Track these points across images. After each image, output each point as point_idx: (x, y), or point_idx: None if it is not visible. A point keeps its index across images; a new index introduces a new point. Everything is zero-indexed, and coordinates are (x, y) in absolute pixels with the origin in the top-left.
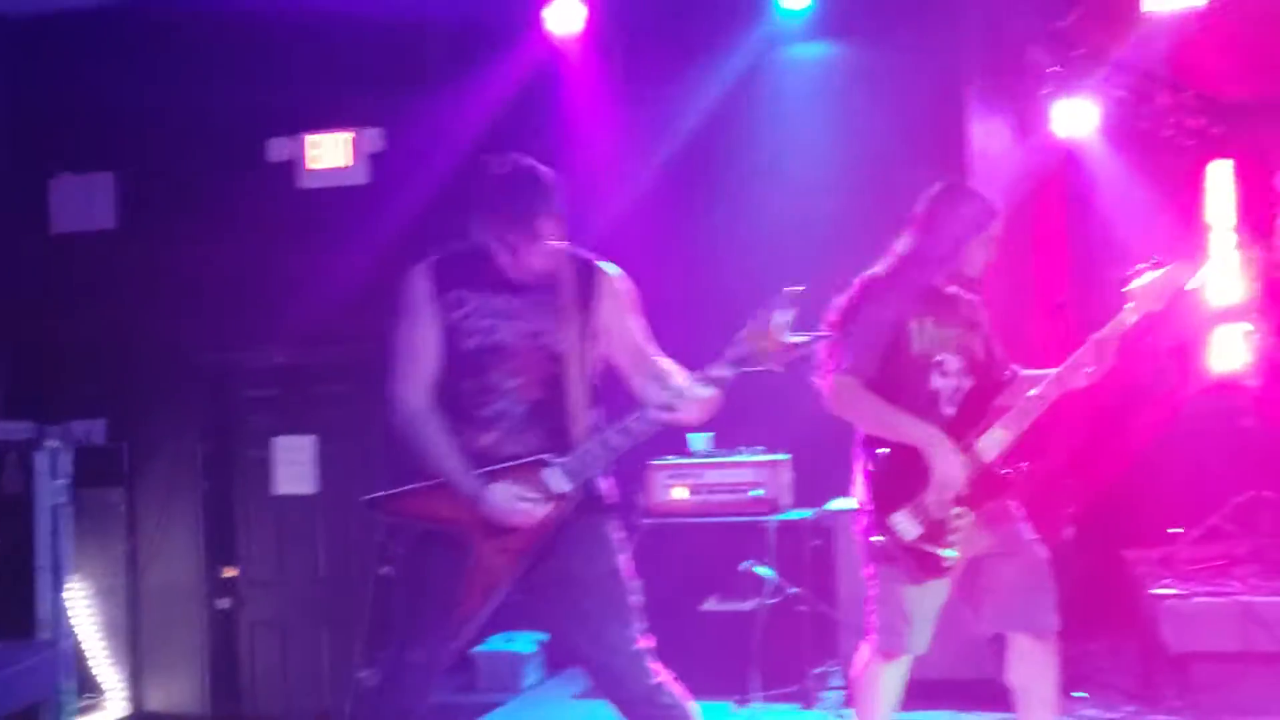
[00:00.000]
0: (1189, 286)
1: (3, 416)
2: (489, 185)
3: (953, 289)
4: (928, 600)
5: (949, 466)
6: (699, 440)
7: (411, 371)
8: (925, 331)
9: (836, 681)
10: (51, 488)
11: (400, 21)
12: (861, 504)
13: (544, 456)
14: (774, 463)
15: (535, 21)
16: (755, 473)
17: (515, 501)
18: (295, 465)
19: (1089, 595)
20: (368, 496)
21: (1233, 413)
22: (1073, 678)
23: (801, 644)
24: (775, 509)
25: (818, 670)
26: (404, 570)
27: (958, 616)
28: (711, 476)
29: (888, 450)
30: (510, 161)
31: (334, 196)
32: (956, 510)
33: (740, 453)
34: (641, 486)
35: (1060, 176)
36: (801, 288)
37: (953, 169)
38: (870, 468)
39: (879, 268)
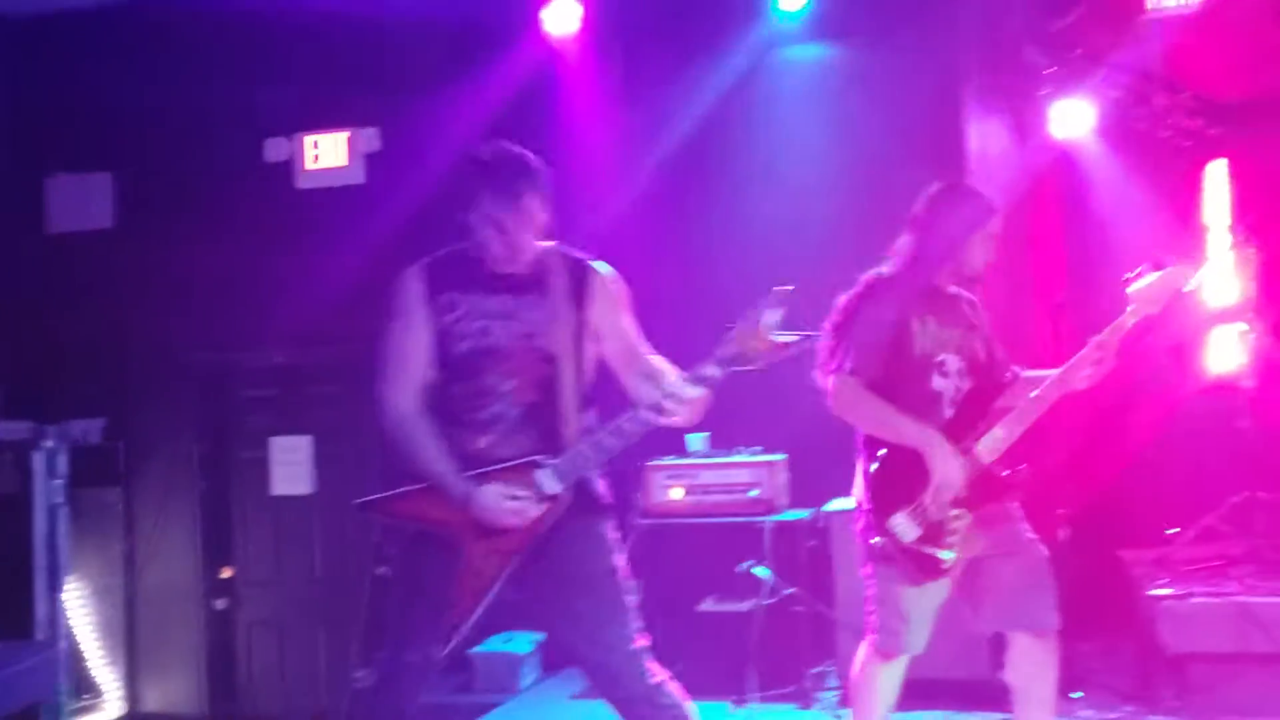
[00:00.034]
0: (1187, 289)
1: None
2: (477, 168)
3: (954, 289)
4: (926, 600)
5: (948, 468)
6: (696, 441)
7: (401, 375)
8: (927, 331)
9: (833, 681)
10: (48, 487)
11: (397, 22)
12: (861, 504)
13: (536, 458)
14: (770, 463)
15: (533, 22)
16: (752, 473)
17: (505, 503)
18: (292, 465)
19: (1085, 596)
20: (360, 499)
21: (1229, 413)
22: (1069, 678)
23: (798, 644)
24: (772, 509)
25: (815, 670)
26: (398, 571)
27: (955, 616)
28: (708, 477)
29: (887, 451)
30: (497, 145)
31: (331, 197)
32: (955, 512)
33: (737, 453)
34: (639, 487)
35: (1058, 177)
36: (791, 287)
37: (950, 170)
38: (870, 469)
39: (881, 268)
